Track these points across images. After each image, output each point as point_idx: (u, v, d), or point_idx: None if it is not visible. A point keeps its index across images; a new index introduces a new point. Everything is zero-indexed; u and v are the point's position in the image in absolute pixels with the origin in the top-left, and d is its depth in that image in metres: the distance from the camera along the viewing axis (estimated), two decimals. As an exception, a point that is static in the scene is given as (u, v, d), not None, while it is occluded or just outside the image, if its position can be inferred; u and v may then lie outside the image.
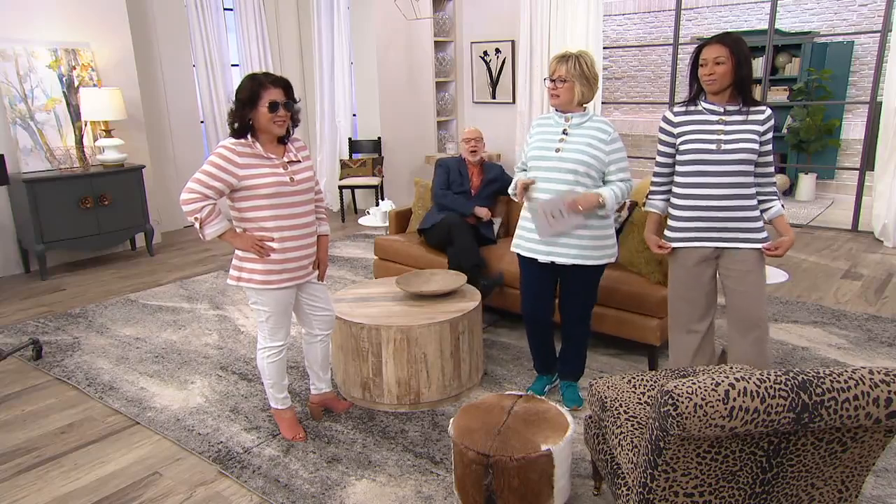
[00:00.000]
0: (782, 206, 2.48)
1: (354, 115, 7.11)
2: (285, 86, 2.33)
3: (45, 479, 2.44)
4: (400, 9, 6.42)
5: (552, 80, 2.58)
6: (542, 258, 2.65)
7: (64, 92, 5.08)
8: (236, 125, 2.32)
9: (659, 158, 2.55)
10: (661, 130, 2.52)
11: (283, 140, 2.43)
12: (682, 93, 8.55)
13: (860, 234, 5.83)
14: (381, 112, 6.72)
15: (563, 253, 2.61)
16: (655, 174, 2.59)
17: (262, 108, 2.27)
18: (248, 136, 2.34)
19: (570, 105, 2.60)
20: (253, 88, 2.27)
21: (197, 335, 3.79)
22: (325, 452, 2.54)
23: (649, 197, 2.63)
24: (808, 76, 7.45)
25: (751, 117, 2.35)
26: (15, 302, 4.44)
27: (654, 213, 2.62)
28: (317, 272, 2.58)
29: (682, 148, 2.43)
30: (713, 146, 2.36)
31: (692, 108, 2.45)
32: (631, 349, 3.43)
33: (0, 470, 2.50)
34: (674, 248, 2.52)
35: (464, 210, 3.94)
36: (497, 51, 6.85)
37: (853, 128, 7.64)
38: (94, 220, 5.08)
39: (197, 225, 2.32)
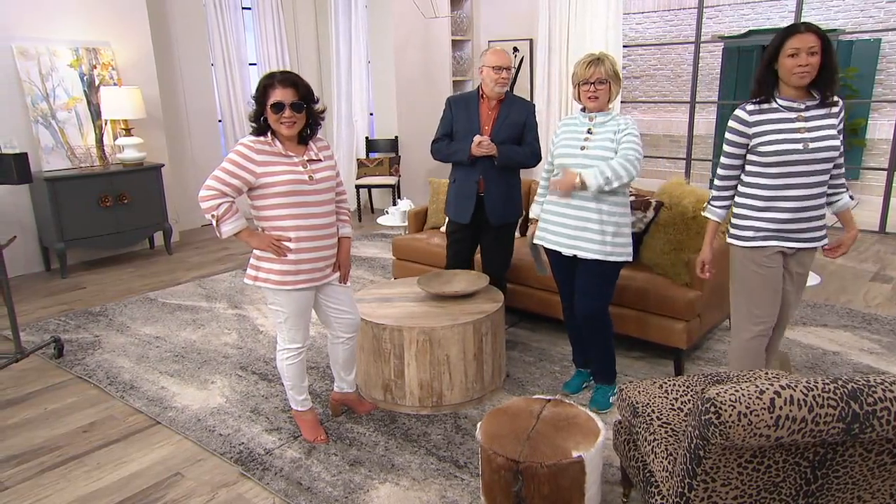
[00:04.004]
0: (851, 197, 2.40)
1: (371, 114, 7.08)
2: (295, 85, 2.28)
3: (69, 479, 2.43)
4: (418, 7, 6.39)
5: (591, 84, 2.58)
6: (565, 251, 2.68)
7: (84, 91, 5.11)
8: (255, 124, 2.34)
9: (725, 161, 2.39)
10: (733, 131, 2.33)
11: (304, 139, 2.40)
12: (703, 91, 8.42)
13: (888, 235, 5.70)
14: (398, 111, 6.69)
15: (585, 247, 2.62)
16: (722, 178, 2.42)
17: (268, 108, 2.27)
18: (269, 135, 2.33)
19: (605, 105, 2.65)
20: (262, 88, 2.28)
21: (216, 334, 3.78)
22: (347, 455, 2.51)
23: (712, 203, 2.48)
24: (832, 74, 7.31)
25: (830, 111, 2.27)
26: (36, 300, 4.47)
27: (714, 222, 2.49)
28: (337, 274, 2.54)
29: (762, 150, 2.27)
30: (800, 146, 2.22)
31: (765, 105, 2.29)
32: (655, 352, 3.37)
33: (24, 469, 2.50)
34: (750, 248, 2.36)
35: (460, 158, 3.11)
36: (515, 49, 6.80)
37: (879, 127, 7.49)
38: (113, 219, 5.10)
39: (213, 223, 2.30)
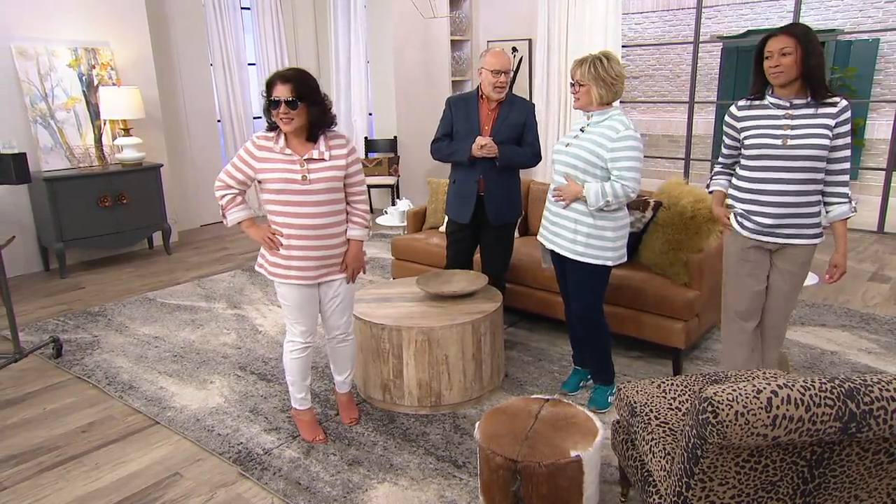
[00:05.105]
0: (853, 209, 2.33)
1: (370, 114, 7.09)
2: (292, 82, 2.29)
3: (67, 479, 2.43)
4: (417, 7, 6.39)
5: (572, 84, 2.64)
6: (547, 245, 2.78)
7: (83, 91, 5.11)
8: (268, 121, 2.41)
9: (723, 150, 2.56)
10: (725, 124, 2.50)
11: (314, 136, 2.39)
12: (702, 91, 8.44)
13: (886, 235, 5.71)
14: (397, 111, 6.69)
15: (559, 244, 2.69)
16: (718, 161, 2.61)
17: (270, 103, 2.32)
18: (277, 130, 2.38)
19: (590, 106, 2.64)
20: (268, 84, 2.33)
21: (215, 334, 3.78)
22: (346, 455, 2.52)
23: (713, 178, 2.64)
24: (831, 75, 7.32)
25: (821, 111, 2.24)
26: (35, 300, 4.47)
27: (718, 191, 2.60)
28: (342, 276, 2.52)
29: (746, 143, 2.38)
30: (778, 142, 2.28)
31: (757, 102, 2.37)
32: (654, 352, 3.37)
33: (23, 469, 2.50)
34: (733, 232, 2.48)
35: (459, 158, 3.12)
36: (514, 49, 6.80)
37: (878, 127, 7.50)
38: (112, 219, 5.10)
39: (221, 211, 2.48)
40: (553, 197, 2.69)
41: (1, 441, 2.70)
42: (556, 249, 2.70)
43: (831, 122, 2.24)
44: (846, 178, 2.33)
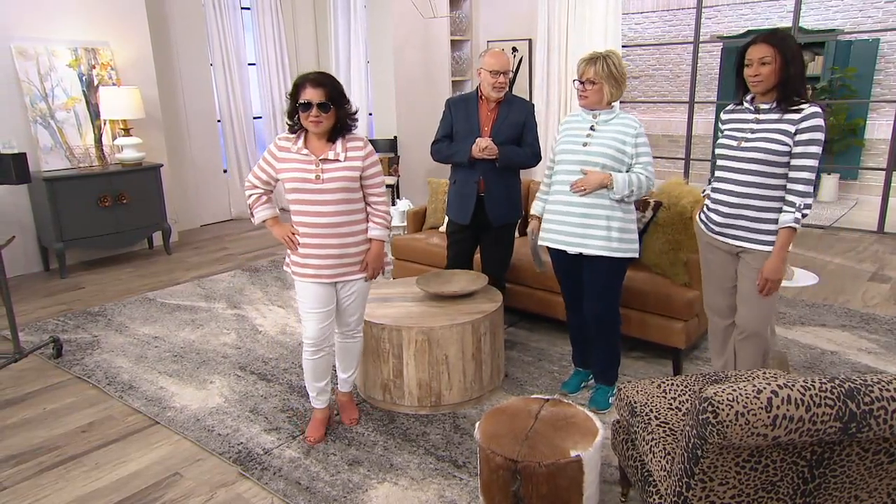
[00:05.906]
0: (796, 220, 2.24)
1: (370, 114, 7.09)
2: (324, 86, 2.33)
3: (67, 479, 2.43)
4: (417, 7, 6.39)
5: (581, 82, 2.61)
6: (571, 250, 2.67)
7: (83, 91, 5.11)
8: (290, 122, 2.45)
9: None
10: (719, 128, 2.58)
11: (333, 138, 2.42)
12: (702, 91, 8.45)
13: (886, 235, 5.71)
14: (397, 111, 6.69)
15: (590, 244, 2.63)
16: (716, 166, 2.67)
17: (298, 106, 2.35)
18: (297, 132, 2.43)
19: (598, 105, 2.64)
20: (295, 87, 2.37)
21: (215, 334, 3.78)
22: (346, 454, 2.52)
23: (709, 182, 2.67)
24: (831, 75, 7.33)
25: (786, 116, 2.24)
26: (35, 300, 4.47)
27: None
28: (361, 276, 2.54)
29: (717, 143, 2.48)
30: (734, 143, 2.34)
31: (739, 106, 2.42)
32: (654, 352, 3.37)
33: (23, 469, 2.50)
34: (699, 231, 2.57)
35: (460, 159, 3.12)
36: (514, 49, 6.80)
37: (878, 127, 7.50)
38: (112, 219, 5.10)
39: (249, 210, 2.58)
40: (572, 188, 2.60)
41: (1, 441, 2.70)
42: (586, 251, 2.61)
43: (791, 129, 2.21)
44: (801, 187, 2.23)
